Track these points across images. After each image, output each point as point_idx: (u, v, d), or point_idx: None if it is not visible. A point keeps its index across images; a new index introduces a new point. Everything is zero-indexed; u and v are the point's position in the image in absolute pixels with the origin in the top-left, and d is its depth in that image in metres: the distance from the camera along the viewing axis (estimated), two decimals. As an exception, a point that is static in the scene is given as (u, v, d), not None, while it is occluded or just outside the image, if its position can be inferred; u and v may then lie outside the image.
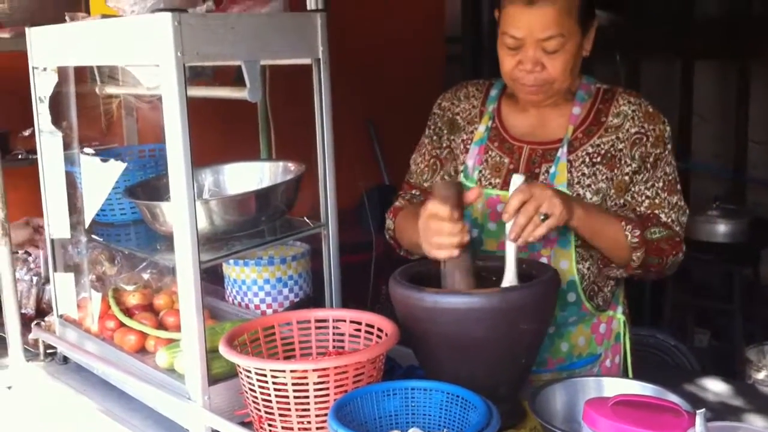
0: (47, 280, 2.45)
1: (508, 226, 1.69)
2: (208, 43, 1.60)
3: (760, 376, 4.09)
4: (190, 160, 1.60)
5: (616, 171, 1.90)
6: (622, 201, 1.92)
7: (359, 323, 1.75)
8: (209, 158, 2.22)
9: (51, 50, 2.00)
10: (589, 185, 1.89)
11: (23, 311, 2.42)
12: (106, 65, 2.26)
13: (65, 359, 2.18)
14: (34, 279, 2.53)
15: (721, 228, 4.45)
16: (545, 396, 1.64)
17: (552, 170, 1.89)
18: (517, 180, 1.70)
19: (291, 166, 2.05)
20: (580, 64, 1.89)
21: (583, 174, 1.89)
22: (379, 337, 1.69)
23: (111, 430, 1.86)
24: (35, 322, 2.27)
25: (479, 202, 1.93)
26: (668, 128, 1.93)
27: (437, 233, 1.67)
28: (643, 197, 1.91)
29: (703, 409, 1.27)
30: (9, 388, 2.20)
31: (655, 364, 4.23)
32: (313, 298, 2.30)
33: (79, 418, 1.97)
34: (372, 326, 1.72)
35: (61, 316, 2.16)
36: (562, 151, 1.90)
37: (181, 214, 1.62)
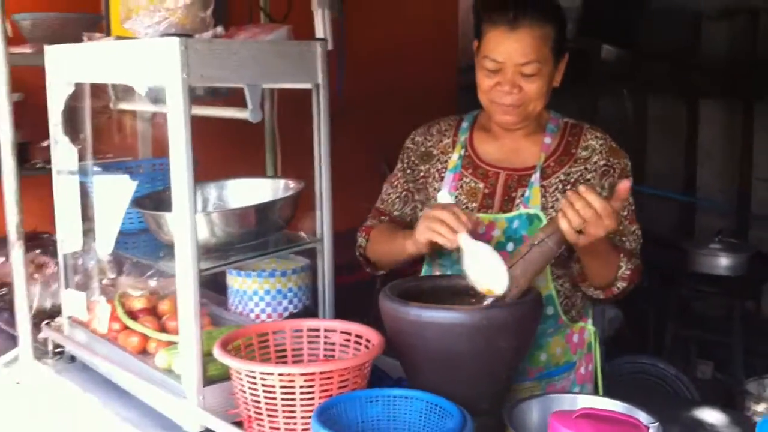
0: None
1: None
2: (212, 66, 1.71)
3: (760, 408, 4.12)
4: (192, 175, 1.70)
5: None
6: None
7: (349, 333, 1.83)
8: (218, 173, 2.33)
9: (67, 68, 2.10)
10: None
11: (35, 312, 2.52)
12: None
13: (72, 358, 2.28)
14: (50, 281, 2.64)
15: (723, 261, 4.51)
16: (521, 410, 1.70)
17: (527, 194, 2.00)
18: (445, 196, 1.83)
19: (291, 183, 2.16)
20: (550, 93, 2.00)
21: (557, 199, 1.99)
22: (367, 347, 1.77)
23: (112, 425, 1.95)
24: (45, 322, 2.36)
25: None
26: (629, 163, 2.05)
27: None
28: None
29: (656, 423, 1.35)
30: (18, 383, 2.30)
31: (654, 392, 4.28)
32: (312, 310, 2.39)
33: (83, 413, 2.06)
34: (361, 337, 1.81)
35: (69, 318, 2.26)
36: (536, 177, 2.01)
37: (182, 225, 1.72)
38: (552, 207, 1.98)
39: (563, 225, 1.67)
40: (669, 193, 5.16)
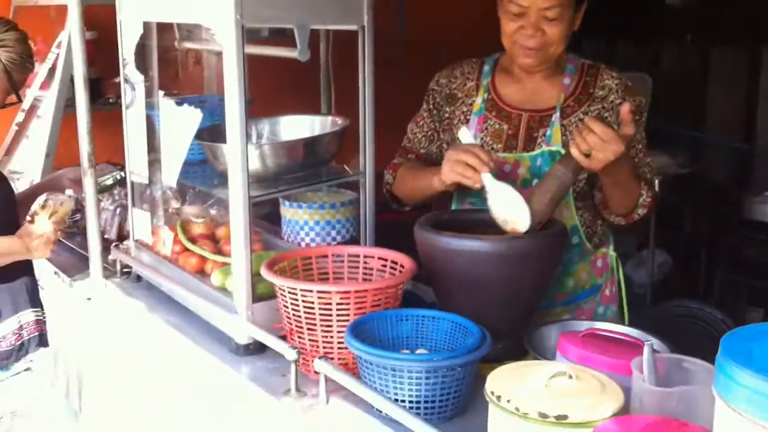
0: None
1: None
2: (264, 7, 1.85)
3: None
4: (244, 108, 1.85)
5: None
6: None
7: (386, 260, 1.98)
8: (278, 111, 2.47)
9: (135, 7, 2.25)
10: None
11: (106, 236, 2.74)
12: (186, 23, 2.52)
13: (138, 278, 2.48)
14: (118, 209, 2.86)
15: (776, 209, 4.53)
16: (541, 334, 1.85)
17: (548, 133, 2.12)
18: (466, 134, 1.97)
19: (338, 120, 2.30)
20: (569, 36, 2.10)
21: None
22: (401, 272, 1.92)
23: (171, 337, 2.15)
24: (114, 244, 2.58)
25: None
26: (644, 100, 2.17)
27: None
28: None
29: (651, 340, 1.48)
30: (89, 299, 2.53)
31: (699, 335, 4.34)
32: (358, 241, 2.54)
33: (147, 326, 2.28)
34: (396, 263, 1.95)
35: (137, 241, 2.45)
36: (556, 116, 2.13)
37: (235, 155, 1.88)
38: None
39: (573, 152, 1.83)
40: (727, 140, 5.15)
